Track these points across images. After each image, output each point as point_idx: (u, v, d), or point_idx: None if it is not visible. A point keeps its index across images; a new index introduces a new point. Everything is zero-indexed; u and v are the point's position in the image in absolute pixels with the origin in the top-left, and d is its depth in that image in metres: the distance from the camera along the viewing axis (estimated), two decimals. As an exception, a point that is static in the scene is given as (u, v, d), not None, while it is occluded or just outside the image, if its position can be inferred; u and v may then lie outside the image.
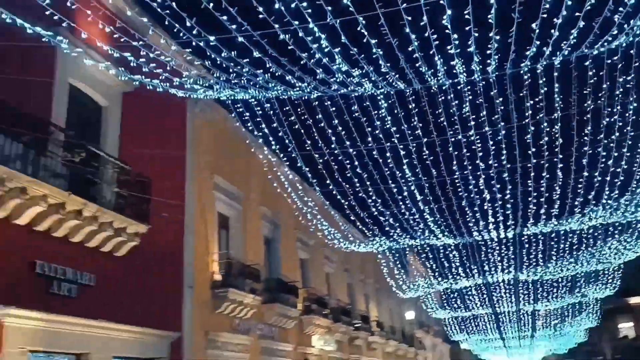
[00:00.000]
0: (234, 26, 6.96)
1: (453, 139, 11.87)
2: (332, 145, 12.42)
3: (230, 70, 8.36)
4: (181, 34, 7.32)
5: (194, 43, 7.53)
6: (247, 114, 11.46)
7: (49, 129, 10.23)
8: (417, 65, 8.17)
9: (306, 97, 9.90)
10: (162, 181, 13.16)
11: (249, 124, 11.99)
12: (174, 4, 6.69)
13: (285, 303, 19.09)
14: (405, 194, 15.54)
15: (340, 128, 11.55)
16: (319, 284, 24.45)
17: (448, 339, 49.34)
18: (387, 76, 8.63)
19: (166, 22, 7.07)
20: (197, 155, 15.94)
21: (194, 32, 7.24)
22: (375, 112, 10.55)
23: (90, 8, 9.83)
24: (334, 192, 15.42)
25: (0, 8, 7.77)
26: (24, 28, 7.93)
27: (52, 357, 10.31)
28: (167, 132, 14.86)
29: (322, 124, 11.30)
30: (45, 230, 10.24)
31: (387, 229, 19.10)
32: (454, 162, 13.33)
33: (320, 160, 13.26)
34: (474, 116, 10.92)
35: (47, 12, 7.89)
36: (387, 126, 11.12)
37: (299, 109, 10.88)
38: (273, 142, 13.22)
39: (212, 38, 7.32)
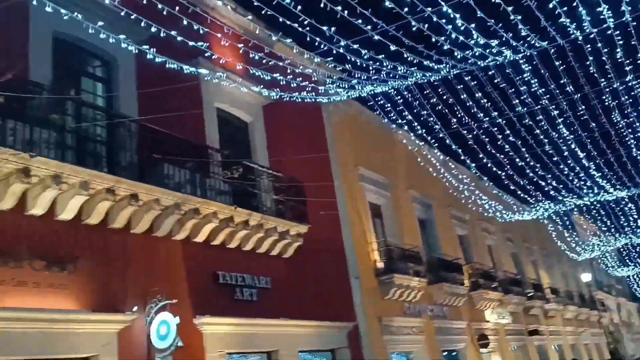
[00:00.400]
0: (369, 27, 7.15)
1: (609, 89, 10.93)
2: (480, 119, 12.12)
3: (370, 67, 8.57)
4: (322, 46, 7.66)
5: (334, 51, 7.85)
6: (388, 104, 11.64)
7: (207, 152, 11.19)
8: (559, 20, 7.69)
9: (446, 77, 9.80)
10: (312, 181, 13.73)
11: (391, 114, 12.18)
12: (312, 20, 7.02)
13: (451, 281, 18.95)
14: (566, 153, 14.66)
15: (485, 100, 11.25)
16: (482, 258, 23.86)
17: (635, 296, 45.41)
18: (528, 38, 8.23)
19: (307, 38, 7.45)
20: (339, 151, 16.40)
21: (334, 40, 7.54)
22: (519, 77, 10.12)
23: (230, 36, 10.57)
24: (489, 165, 14.98)
25: (149, 51, 8.65)
26: (182, 69, 8.77)
27: (246, 357, 11.28)
28: (307, 134, 15.46)
29: (466, 100, 11.09)
30: (220, 243, 11.22)
31: (551, 192, 18.11)
32: (615, 112, 12.28)
33: (470, 136, 13.01)
34: (628, 60, 9.96)
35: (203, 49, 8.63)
36: (534, 89, 10.58)
37: (439, 90, 10.81)
38: (418, 126, 13.26)
39: (350, 41, 7.57)
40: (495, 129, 12.95)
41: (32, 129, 8.01)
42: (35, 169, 7.94)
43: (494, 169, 15.84)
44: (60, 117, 8.61)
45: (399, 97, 11.28)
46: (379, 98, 11.46)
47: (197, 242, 10.73)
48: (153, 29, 8.63)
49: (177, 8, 8.96)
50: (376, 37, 7.45)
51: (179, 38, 8.60)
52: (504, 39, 8.15)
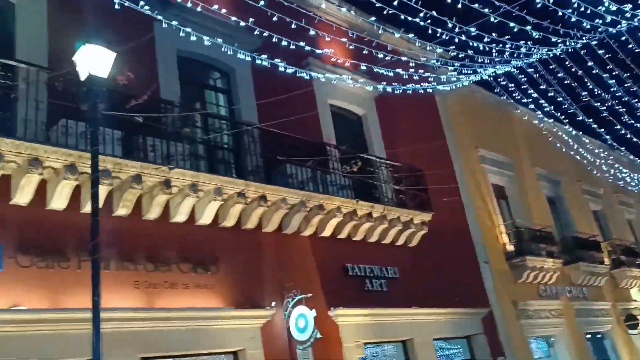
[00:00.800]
0: (489, 10, 6.99)
1: None
2: (613, 89, 11.30)
3: (493, 50, 8.38)
4: (444, 36, 7.62)
5: (456, 39, 7.79)
6: (512, 84, 11.25)
7: (326, 149, 11.46)
8: None
9: (572, 50, 9.29)
10: (431, 168, 13.56)
11: (515, 93, 11.77)
12: (434, 12, 7.02)
13: (589, 260, 17.85)
14: None
15: (618, 69, 10.48)
16: (622, 234, 22.17)
17: None
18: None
19: (429, 31, 7.46)
20: (456, 134, 16.03)
21: (455, 28, 7.48)
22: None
23: (339, 33, 10.77)
24: (628, 135, 13.92)
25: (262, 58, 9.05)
26: (295, 72, 9.11)
27: (382, 346, 11.43)
28: (422, 121, 15.27)
29: (597, 71, 10.40)
30: (346, 236, 11.46)
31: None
32: None
33: (603, 107, 12.20)
34: None
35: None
36: (675, 48, 9.67)
37: (567, 63, 10.26)
38: (545, 103, 12.65)
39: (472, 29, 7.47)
40: (631, 97, 11.97)
41: (169, 143, 8.71)
42: (174, 180, 8.63)
43: (634, 139, 14.64)
44: (191, 130, 9.29)
45: (523, 75, 10.87)
46: (501, 79, 11.11)
47: (324, 236, 11.04)
48: (263, 35, 9.03)
49: (286, 13, 9.32)
50: (497, 19, 7.24)
51: (285, 43, 8.90)
52: (639, 1, 7.54)
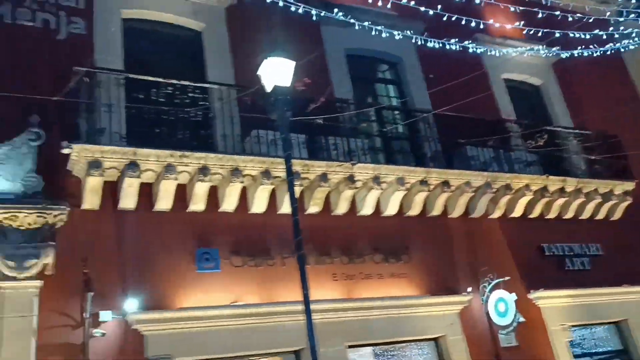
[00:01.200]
0: None
1: None
2: None
3: None
4: None
5: None
6: None
7: (505, 126, 10.94)
8: None
9: None
10: (627, 133, 12.20)
11: None
12: None
13: None
14: None
15: None
16: None
17: None
18: None
19: None
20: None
21: None
22: None
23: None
24: None
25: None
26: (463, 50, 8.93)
27: (590, 329, 10.60)
28: (608, 83, 13.77)
29: None
30: (538, 215, 10.84)
31: None
32: None
33: None
34: None
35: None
36: None
37: None
38: None
39: None
40: None
41: (348, 140, 9.01)
42: (357, 174, 8.90)
43: None
44: (368, 125, 9.52)
45: None
46: None
47: (514, 217, 10.58)
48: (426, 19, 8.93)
49: None
50: None
51: (452, 21, 8.67)
52: None
